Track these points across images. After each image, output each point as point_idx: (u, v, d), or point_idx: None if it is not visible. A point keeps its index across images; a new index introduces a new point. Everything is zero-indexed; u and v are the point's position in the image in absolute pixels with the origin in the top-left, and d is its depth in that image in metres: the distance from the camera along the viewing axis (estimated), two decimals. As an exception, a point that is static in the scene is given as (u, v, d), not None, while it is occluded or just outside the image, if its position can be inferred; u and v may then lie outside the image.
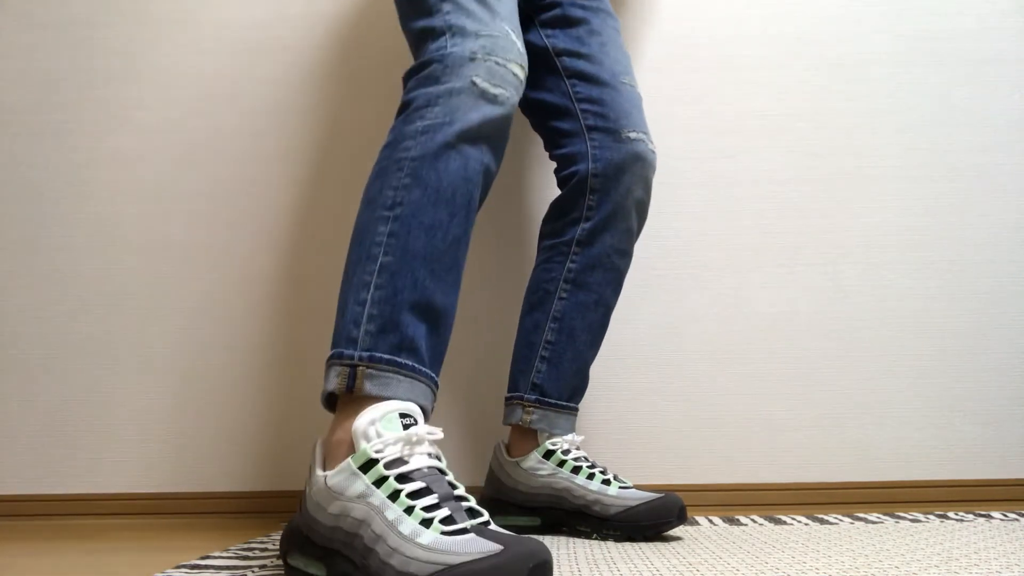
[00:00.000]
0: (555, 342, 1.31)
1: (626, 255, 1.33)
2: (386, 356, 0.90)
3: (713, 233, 1.60)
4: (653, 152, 1.32)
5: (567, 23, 1.35)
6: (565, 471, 1.26)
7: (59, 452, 1.62)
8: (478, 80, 0.99)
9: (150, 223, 1.65)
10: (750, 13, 1.63)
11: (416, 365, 0.91)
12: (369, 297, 0.92)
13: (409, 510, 0.80)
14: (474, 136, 0.97)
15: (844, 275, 1.59)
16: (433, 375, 0.93)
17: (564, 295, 1.32)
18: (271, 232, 1.63)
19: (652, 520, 1.18)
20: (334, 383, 0.91)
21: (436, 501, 0.81)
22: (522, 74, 1.04)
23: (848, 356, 1.57)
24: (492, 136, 0.99)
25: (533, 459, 1.28)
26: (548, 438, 1.29)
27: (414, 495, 0.82)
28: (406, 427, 0.86)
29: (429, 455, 0.86)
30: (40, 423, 1.63)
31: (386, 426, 0.86)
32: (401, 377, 0.90)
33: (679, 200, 1.61)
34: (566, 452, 1.28)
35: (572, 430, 1.32)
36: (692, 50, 1.63)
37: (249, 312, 1.62)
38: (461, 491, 0.84)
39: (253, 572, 0.99)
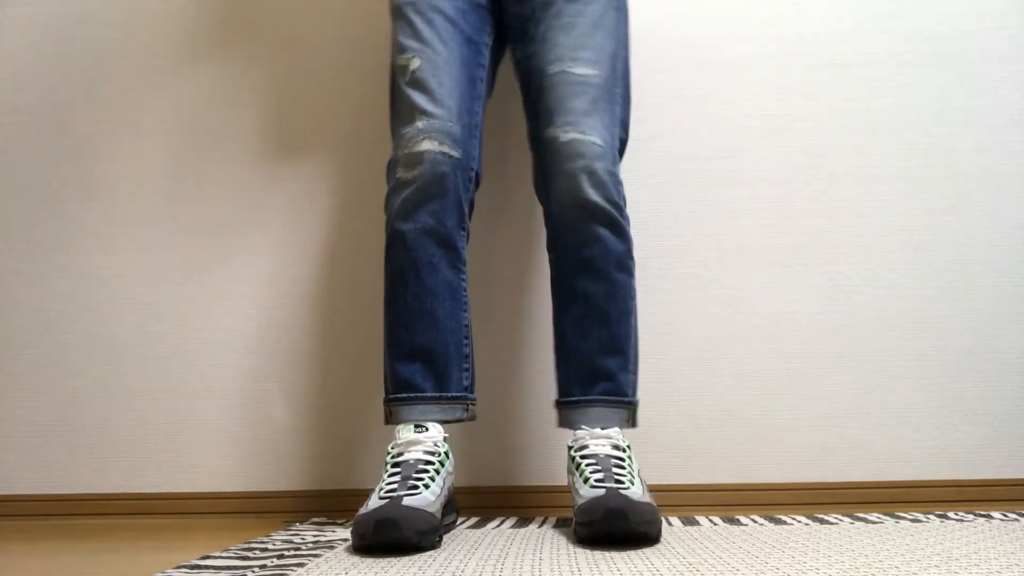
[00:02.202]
0: (556, 347, 1.35)
1: (593, 242, 1.28)
2: (393, 397, 1.30)
3: (713, 233, 1.60)
4: (577, 140, 1.26)
5: (520, 21, 1.35)
6: (574, 469, 1.26)
7: (59, 452, 1.62)
8: (400, 174, 1.28)
9: (150, 223, 1.65)
10: (750, 13, 1.63)
11: (413, 395, 1.28)
12: (384, 356, 1.32)
13: None
14: (404, 215, 1.27)
15: (844, 275, 1.59)
16: (436, 395, 1.29)
17: (553, 301, 1.35)
18: (272, 232, 1.63)
19: (583, 519, 1.14)
20: (384, 417, 1.33)
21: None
22: (431, 144, 1.26)
23: (848, 356, 1.57)
24: (413, 203, 1.27)
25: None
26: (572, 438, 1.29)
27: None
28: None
29: (424, 451, 1.22)
30: (40, 423, 1.63)
31: (403, 433, 1.25)
32: (405, 407, 1.29)
33: (679, 200, 1.60)
34: (574, 449, 1.27)
35: (585, 424, 1.28)
36: (692, 50, 1.63)
37: (250, 313, 1.62)
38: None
39: (253, 572, 0.99)
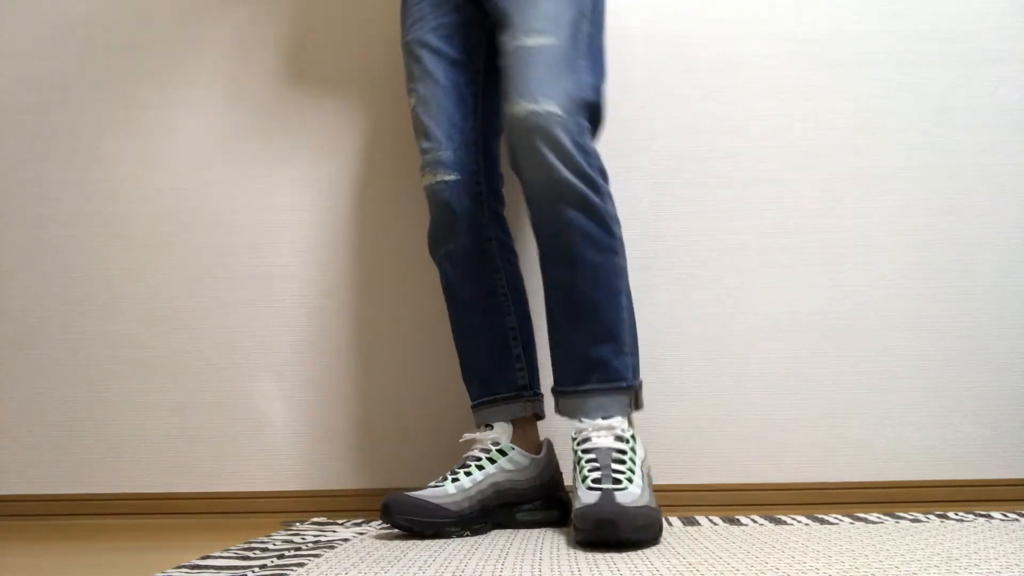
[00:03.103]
0: (549, 336, 1.33)
1: (565, 228, 1.22)
2: (471, 404, 1.41)
3: (713, 233, 1.60)
4: (534, 112, 1.19)
5: (493, 8, 1.30)
6: (575, 464, 1.25)
7: (59, 452, 1.62)
8: None
9: (150, 223, 1.65)
10: (750, 13, 1.63)
11: (474, 402, 1.39)
12: None
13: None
14: (431, 246, 1.40)
15: (844, 275, 1.59)
16: (490, 398, 1.37)
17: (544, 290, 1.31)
18: (271, 232, 1.63)
19: (578, 525, 1.12)
20: None
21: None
22: (429, 178, 1.36)
23: (848, 356, 1.57)
24: (432, 234, 1.39)
25: None
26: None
27: None
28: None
29: (479, 449, 1.34)
30: (40, 423, 1.63)
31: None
32: (474, 411, 1.39)
33: (679, 200, 1.60)
34: (576, 442, 1.26)
35: (585, 415, 1.25)
36: (692, 50, 1.63)
37: (249, 312, 1.62)
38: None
39: (253, 572, 0.99)
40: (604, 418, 1.24)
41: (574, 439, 1.25)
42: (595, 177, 1.23)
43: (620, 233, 1.27)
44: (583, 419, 1.25)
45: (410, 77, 1.39)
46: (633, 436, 1.25)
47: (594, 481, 1.16)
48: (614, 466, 1.18)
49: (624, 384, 1.27)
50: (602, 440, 1.21)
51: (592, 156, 1.23)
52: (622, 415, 1.25)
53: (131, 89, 1.67)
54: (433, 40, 1.38)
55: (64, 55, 1.68)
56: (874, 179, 1.60)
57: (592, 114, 1.26)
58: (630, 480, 1.17)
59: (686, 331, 1.58)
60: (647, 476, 1.24)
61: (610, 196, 1.25)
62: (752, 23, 1.63)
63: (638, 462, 1.22)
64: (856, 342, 1.57)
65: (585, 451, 1.22)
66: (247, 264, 1.63)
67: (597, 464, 1.19)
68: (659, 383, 1.57)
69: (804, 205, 1.60)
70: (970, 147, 1.60)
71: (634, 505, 1.12)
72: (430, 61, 1.37)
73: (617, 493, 1.13)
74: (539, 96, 1.20)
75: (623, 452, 1.20)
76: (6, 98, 1.68)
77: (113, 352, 1.63)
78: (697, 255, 1.60)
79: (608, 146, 1.59)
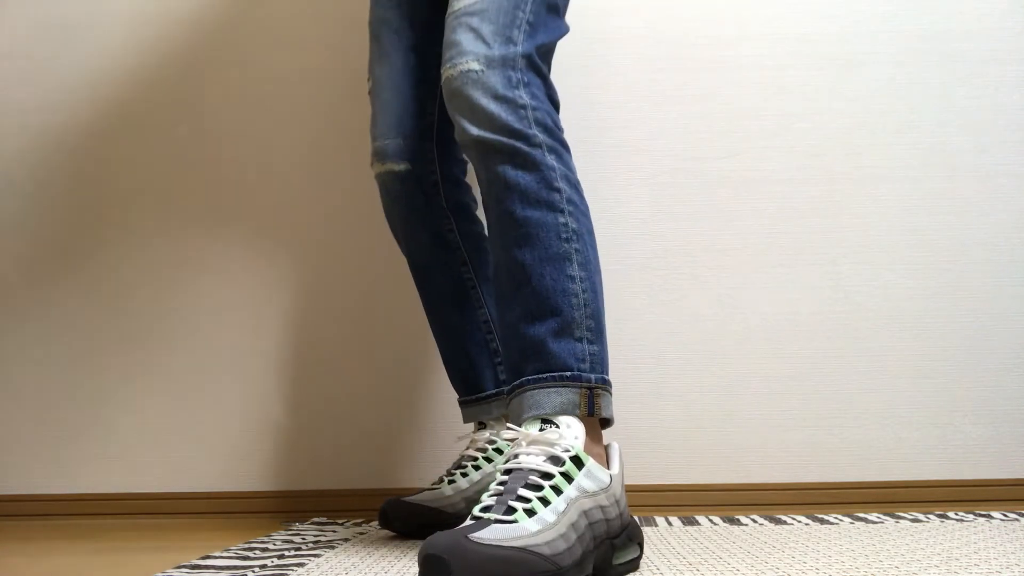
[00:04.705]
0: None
1: (494, 184, 1.02)
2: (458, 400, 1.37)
3: (714, 233, 1.60)
4: (450, 77, 1.03)
5: None
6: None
7: (59, 452, 1.62)
8: None
9: (150, 223, 1.65)
10: (751, 13, 1.63)
11: (460, 399, 1.35)
12: None
13: None
14: (394, 237, 1.36)
15: (844, 275, 1.59)
16: (472, 397, 1.32)
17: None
18: (271, 233, 1.63)
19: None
20: None
21: None
22: (379, 167, 1.31)
23: (848, 356, 1.57)
24: (391, 226, 1.35)
25: None
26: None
27: None
28: None
29: (475, 449, 1.32)
30: (40, 423, 1.63)
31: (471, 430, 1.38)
32: (461, 410, 1.36)
33: (679, 200, 1.60)
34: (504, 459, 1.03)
35: (514, 420, 1.01)
36: (692, 50, 1.63)
37: (248, 313, 1.62)
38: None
39: (253, 572, 0.99)
40: (543, 420, 0.96)
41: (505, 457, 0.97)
42: (526, 130, 1.01)
43: (572, 192, 1.03)
44: (511, 427, 0.97)
45: (370, 58, 1.33)
46: (577, 459, 0.93)
47: (483, 509, 0.88)
48: (521, 491, 0.88)
49: (567, 375, 0.97)
50: (529, 459, 0.92)
51: (527, 108, 1.02)
52: (567, 417, 0.96)
53: (130, 89, 1.67)
54: (395, 19, 1.30)
55: (64, 55, 1.68)
56: (874, 179, 1.60)
57: (535, 68, 1.06)
58: (531, 512, 0.86)
59: (686, 331, 1.58)
60: (588, 513, 0.91)
61: (558, 151, 1.03)
62: (752, 23, 1.63)
63: (568, 492, 0.90)
64: (856, 342, 1.57)
65: (506, 472, 0.92)
66: (249, 265, 1.63)
67: (501, 489, 0.90)
68: (659, 383, 1.57)
69: (804, 205, 1.60)
70: (970, 147, 1.60)
71: (501, 543, 0.82)
72: (389, 41, 1.30)
73: (493, 527, 0.83)
74: (457, 58, 1.03)
75: (548, 476, 0.91)
76: (7, 98, 1.68)
77: (113, 352, 1.63)
78: (697, 255, 1.60)
79: (608, 146, 1.60)
